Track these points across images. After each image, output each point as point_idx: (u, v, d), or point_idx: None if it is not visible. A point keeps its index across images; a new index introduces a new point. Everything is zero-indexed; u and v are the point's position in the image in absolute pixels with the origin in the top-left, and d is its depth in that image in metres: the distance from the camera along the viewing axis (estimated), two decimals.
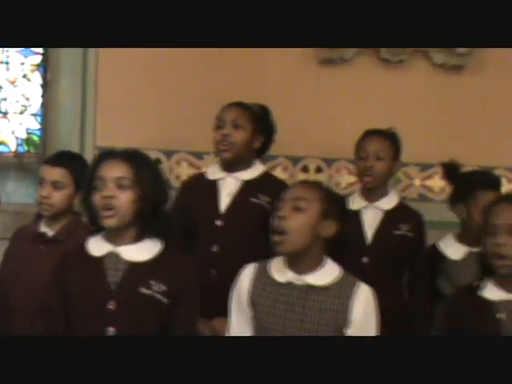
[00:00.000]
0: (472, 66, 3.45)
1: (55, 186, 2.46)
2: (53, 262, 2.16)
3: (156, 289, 2.07)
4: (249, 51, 3.32)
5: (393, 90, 3.46)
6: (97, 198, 2.06)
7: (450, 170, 2.94)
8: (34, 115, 3.54)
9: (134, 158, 2.12)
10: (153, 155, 3.26)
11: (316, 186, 2.22)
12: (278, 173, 3.39)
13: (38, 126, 3.53)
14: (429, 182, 3.52)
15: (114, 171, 2.07)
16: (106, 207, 2.06)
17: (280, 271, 2.14)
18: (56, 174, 2.48)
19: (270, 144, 2.91)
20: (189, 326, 2.13)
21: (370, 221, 2.88)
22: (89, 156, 3.21)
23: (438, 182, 3.48)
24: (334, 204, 2.15)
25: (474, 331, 2.15)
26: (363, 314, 2.09)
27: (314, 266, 2.12)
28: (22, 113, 3.53)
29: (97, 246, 2.11)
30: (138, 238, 2.12)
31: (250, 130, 2.80)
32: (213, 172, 2.85)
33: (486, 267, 2.22)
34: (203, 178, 2.87)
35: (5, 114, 3.51)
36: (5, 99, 3.50)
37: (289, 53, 3.37)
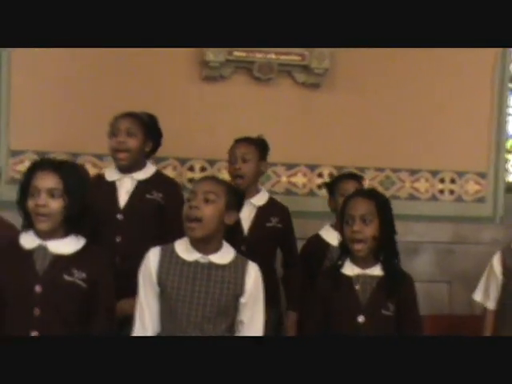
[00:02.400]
0: (326, 84, 3.80)
1: None
2: None
3: (77, 276, 2.28)
4: (144, 65, 3.60)
5: (263, 103, 3.77)
6: (31, 205, 2.27)
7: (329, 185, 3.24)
8: None
9: (64, 168, 2.30)
10: (60, 157, 3.60)
11: (222, 181, 2.47)
12: (168, 172, 3.66)
13: None
14: (293, 179, 3.85)
15: (47, 182, 2.26)
16: (39, 214, 2.26)
17: (187, 252, 2.35)
18: None
19: (158, 147, 3.10)
20: (109, 305, 2.36)
21: (246, 215, 3.08)
22: (2, 159, 3.49)
23: (301, 179, 3.85)
24: (235, 197, 2.40)
25: (339, 301, 2.46)
26: (254, 285, 2.38)
27: (216, 248, 2.37)
28: None
29: (28, 240, 2.32)
30: (64, 235, 2.33)
31: (141, 136, 2.98)
32: (110, 174, 3.02)
33: (344, 249, 2.53)
34: (102, 179, 3.02)
35: None
36: None
37: (177, 69, 3.67)
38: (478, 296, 3.13)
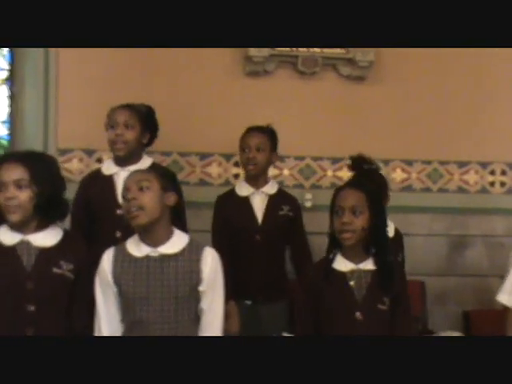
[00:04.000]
0: (371, 77, 3.79)
1: None
2: None
3: (66, 267, 2.27)
4: (188, 62, 3.64)
5: (308, 97, 3.77)
6: (0, 199, 2.23)
7: (356, 162, 3.14)
8: (3, 122, 3.78)
9: (29, 159, 2.25)
10: (107, 156, 3.53)
11: (149, 168, 2.46)
12: (214, 168, 3.72)
13: (7, 132, 3.78)
14: (339, 173, 3.83)
15: (13, 174, 2.21)
16: (9, 207, 2.22)
17: (137, 248, 2.31)
18: None
19: (154, 139, 3.10)
20: (91, 294, 2.32)
21: (259, 205, 3.18)
22: None
23: (346, 173, 3.65)
24: (168, 179, 2.38)
25: (333, 297, 2.38)
26: (211, 272, 2.32)
27: (166, 237, 2.32)
28: None
29: (7, 237, 2.28)
30: (42, 226, 2.29)
31: (139, 128, 2.99)
32: (107, 168, 3.03)
33: (334, 242, 2.46)
34: (100, 173, 3.04)
35: None
36: None
37: (221, 65, 3.69)
38: (503, 297, 2.70)
